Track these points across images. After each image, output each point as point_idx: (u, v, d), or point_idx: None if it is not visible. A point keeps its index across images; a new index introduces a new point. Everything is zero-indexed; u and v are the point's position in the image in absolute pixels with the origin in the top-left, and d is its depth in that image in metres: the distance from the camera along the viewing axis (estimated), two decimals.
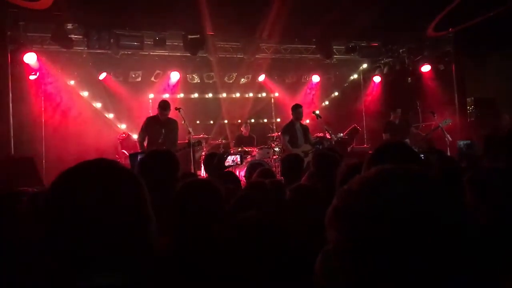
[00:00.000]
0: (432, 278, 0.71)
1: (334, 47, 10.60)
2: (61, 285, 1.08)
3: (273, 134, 9.93)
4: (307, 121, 8.45)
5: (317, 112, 8.70)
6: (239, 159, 7.95)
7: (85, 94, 9.87)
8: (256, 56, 10.34)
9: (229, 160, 7.80)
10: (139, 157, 5.65)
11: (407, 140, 8.33)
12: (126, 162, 8.20)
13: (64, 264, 1.06)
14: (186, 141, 7.72)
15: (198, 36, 9.21)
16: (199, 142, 7.89)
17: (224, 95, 11.54)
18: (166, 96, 10.36)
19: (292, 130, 8.03)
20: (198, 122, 11.29)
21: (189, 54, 9.56)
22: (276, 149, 9.20)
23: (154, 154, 3.07)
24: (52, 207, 1.09)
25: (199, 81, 10.98)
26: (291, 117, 8.30)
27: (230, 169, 7.98)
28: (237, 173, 7.84)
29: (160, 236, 1.69)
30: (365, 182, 0.77)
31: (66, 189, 1.10)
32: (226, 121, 11.67)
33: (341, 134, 9.10)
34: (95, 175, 1.12)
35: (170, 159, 2.96)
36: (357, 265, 0.74)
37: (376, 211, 0.73)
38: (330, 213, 0.79)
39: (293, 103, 8.44)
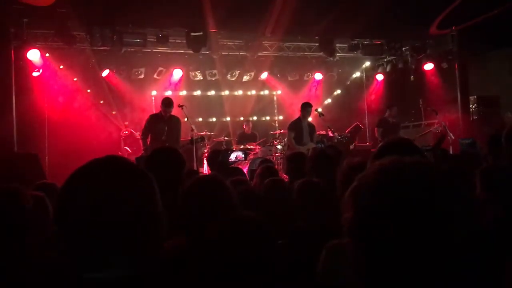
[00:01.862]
0: (435, 262, 0.73)
1: (337, 45, 10.58)
2: (70, 276, 1.10)
3: (276, 132, 9.93)
4: (310, 118, 8.46)
5: (320, 110, 8.70)
6: (241, 155, 7.97)
7: (88, 91, 9.88)
8: (259, 54, 10.34)
9: (232, 157, 7.81)
10: None
11: None
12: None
13: (75, 257, 1.08)
14: (189, 138, 7.74)
15: (201, 33, 9.22)
16: (201, 138, 7.91)
17: (227, 92, 11.55)
18: (169, 93, 10.36)
19: (299, 127, 8.00)
20: (200, 119, 11.31)
21: (191, 52, 9.56)
22: (279, 146, 9.21)
23: (160, 152, 3.05)
24: (65, 204, 1.12)
25: (201, 79, 10.98)
26: (293, 114, 8.30)
27: (235, 165, 8.01)
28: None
29: (169, 234, 1.69)
30: (381, 168, 0.82)
31: (78, 187, 1.12)
32: (228, 119, 11.68)
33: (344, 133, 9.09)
34: (107, 172, 1.15)
35: (176, 157, 2.94)
36: (368, 241, 0.78)
37: (388, 195, 0.77)
38: (350, 192, 0.84)
39: (295, 101, 8.46)
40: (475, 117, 10.45)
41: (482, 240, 0.76)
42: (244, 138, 10.17)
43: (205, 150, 8.92)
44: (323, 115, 8.42)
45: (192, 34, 9.24)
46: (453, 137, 8.23)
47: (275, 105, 12.23)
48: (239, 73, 11.08)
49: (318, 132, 8.75)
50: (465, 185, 2.00)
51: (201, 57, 10.13)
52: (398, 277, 0.75)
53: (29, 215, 1.88)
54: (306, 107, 8.08)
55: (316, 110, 8.56)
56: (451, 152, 7.66)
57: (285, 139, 8.81)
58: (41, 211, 2.23)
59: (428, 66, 11.15)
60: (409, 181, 0.78)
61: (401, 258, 0.74)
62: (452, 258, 0.73)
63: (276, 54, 10.57)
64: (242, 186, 3.13)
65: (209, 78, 10.97)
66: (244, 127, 10.58)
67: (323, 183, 2.84)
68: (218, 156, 4.94)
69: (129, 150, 9.25)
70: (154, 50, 9.65)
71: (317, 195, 2.55)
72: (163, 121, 7.46)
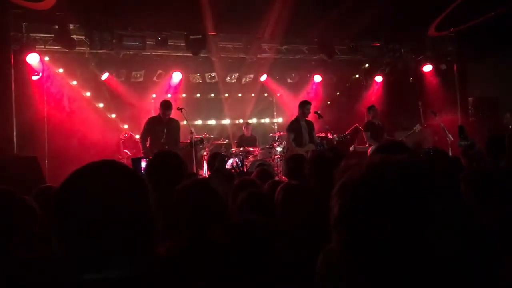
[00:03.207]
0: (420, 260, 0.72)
1: (336, 47, 10.60)
2: (68, 278, 1.11)
3: (275, 134, 9.94)
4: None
5: (319, 112, 8.70)
6: (237, 161, 7.95)
7: (87, 94, 9.89)
8: (258, 56, 10.35)
9: (228, 164, 7.80)
10: (142, 162, 5.65)
11: None
12: (128, 162, 8.23)
13: (72, 258, 1.09)
14: (188, 140, 7.74)
15: (200, 36, 9.24)
16: (201, 141, 7.91)
17: (226, 95, 11.56)
18: (168, 96, 10.37)
19: (297, 127, 7.99)
20: (200, 122, 11.32)
21: (191, 54, 9.58)
22: (278, 149, 9.21)
23: (161, 157, 3.08)
24: (60, 206, 1.13)
25: (201, 81, 10.99)
26: (292, 116, 8.26)
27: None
28: None
29: (167, 236, 1.70)
30: (368, 165, 0.82)
31: (73, 190, 1.13)
32: (228, 121, 11.69)
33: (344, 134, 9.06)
34: (105, 174, 1.16)
35: (178, 162, 2.98)
36: (354, 235, 0.77)
37: (373, 191, 0.77)
38: (338, 187, 0.84)
39: (295, 103, 8.42)
40: (474, 119, 10.46)
41: (469, 241, 0.75)
42: (244, 141, 10.17)
43: (205, 153, 8.93)
44: (322, 117, 8.42)
45: (191, 37, 9.26)
46: (452, 139, 8.22)
47: (275, 108, 12.24)
48: (238, 75, 11.09)
49: (317, 135, 8.75)
50: (456, 185, 2.00)
51: (200, 59, 10.14)
52: (384, 274, 0.74)
53: (17, 216, 1.89)
54: (304, 105, 8.08)
55: (315, 112, 8.56)
56: (450, 153, 7.66)
57: (285, 141, 8.81)
58: (28, 213, 2.25)
59: (427, 68, 11.18)
60: (394, 178, 0.77)
61: (384, 254, 0.73)
62: (430, 256, 0.73)
63: (275, 56, 10.58)
64: (251, 187, 3.13)
65: (208, 80, 10.98)
66: (243, 129, 10.58)
67: (319, 186, 2.85)
68: (215, 162, 4.96)
69: (129, 153, 9.25)
70: (153, 53, 9.66)
71: (297, 198, 2.56)
72: (162, 123, 7.46)
